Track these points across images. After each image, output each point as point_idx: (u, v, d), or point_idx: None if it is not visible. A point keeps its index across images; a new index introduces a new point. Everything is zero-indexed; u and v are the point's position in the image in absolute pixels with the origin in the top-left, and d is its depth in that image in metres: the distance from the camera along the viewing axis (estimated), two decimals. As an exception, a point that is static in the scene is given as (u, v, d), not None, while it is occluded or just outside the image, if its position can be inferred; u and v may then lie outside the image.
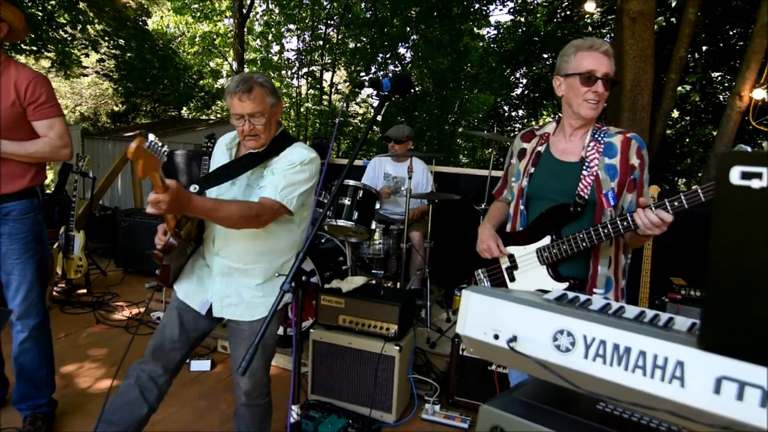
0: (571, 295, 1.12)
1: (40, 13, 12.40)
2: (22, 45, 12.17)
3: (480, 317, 1.02)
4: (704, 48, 11.19)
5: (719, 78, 11.86)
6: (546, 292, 1.80)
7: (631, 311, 1.05)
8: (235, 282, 2.06)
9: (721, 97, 11.66)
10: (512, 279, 1.95)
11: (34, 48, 12.73)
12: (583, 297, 1.11)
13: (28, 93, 2.34)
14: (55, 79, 17.22)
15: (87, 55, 14.73)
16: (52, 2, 12.66)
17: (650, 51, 6.43)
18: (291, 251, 2.14)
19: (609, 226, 1.68)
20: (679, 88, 9.63)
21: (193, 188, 1.89)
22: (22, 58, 13.02)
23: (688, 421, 0.78)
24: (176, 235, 1.89)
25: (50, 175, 13.98)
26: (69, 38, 13.56)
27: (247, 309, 2.06)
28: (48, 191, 8.97)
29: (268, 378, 2.18)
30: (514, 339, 0.96)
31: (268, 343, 2.13)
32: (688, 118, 11.97)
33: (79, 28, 13.43)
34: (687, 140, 11.55)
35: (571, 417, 0.98)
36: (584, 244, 1.74)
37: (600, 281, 1.83)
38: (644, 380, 0.81)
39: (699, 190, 1.49)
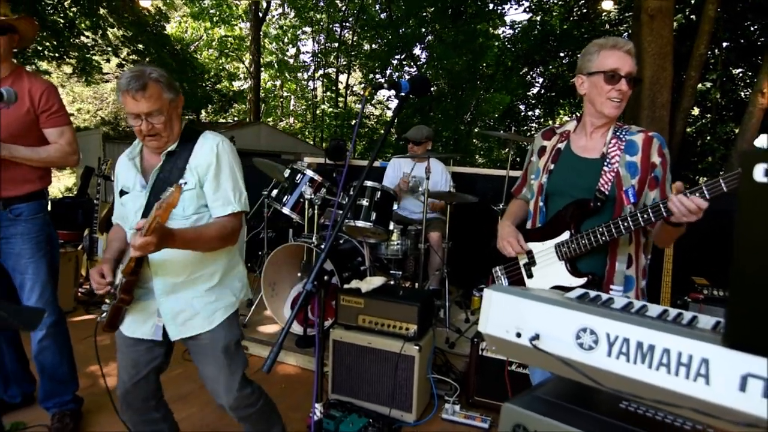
0: (592, 293, 1.13)
1: (62, 20, 12.64)
2: (45, 51, 12.43)
3: (502, 316, 1.03)
4: (724, 44, 11.03)
5: (740, 74, 11.68)
6: (564, 288, 1.81)
7: (654, 310, 1.05)
8: (183, 296, 1.92)
9: (742, 93, 11.48)
10: (530, 275, 1.95)
11: (56, 54, 12.99)
12: (605, 296, 1.12)
13: (42, 102, 2.46)
14: (76, 84, 17.58)
15: (108, 60, 15.00)
16: (74, 9, 12.91)
17: (669, 48, 6.36)
18: (234, 246, 2.03)
19: (629, 218, 1.66)
20: (699, 86, 9.49)
21: (183, 183, 1.80)
22: (44, 65, 13.31)
23: (712, 418, 0.79)
24: (134, 273, 1.79)
25: (72, 179, 14.24)
26: (90, 43, 13.81)
27: (205, 319, 1.94)
28: (71, 195, 9.14)
29: (251, 388, 2.06)
30: (536, 337, 0.97)
31: (235, 355, 2.00)
32: (708, 115, 11.79)
33: (99, 33, 13.68)
34: (708, 138, 11.38)
35: (593, 415, 0.98)
36: (603, 238, 1.73)
37: (617, 278, 1.82)
38: (668, 378, 0.82)
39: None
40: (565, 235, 1.84)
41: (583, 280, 1.81)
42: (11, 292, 2.57)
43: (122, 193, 1.98)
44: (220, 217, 1.89)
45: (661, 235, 1.81)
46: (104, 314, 1.89)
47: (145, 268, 1.89)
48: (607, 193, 1.79)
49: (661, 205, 1.59)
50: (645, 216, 1.63)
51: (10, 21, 2.38)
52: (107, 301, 1.88)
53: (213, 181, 1.88)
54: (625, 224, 1.68)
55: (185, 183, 1.83)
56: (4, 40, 2.37)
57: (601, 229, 1.73)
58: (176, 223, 1.84)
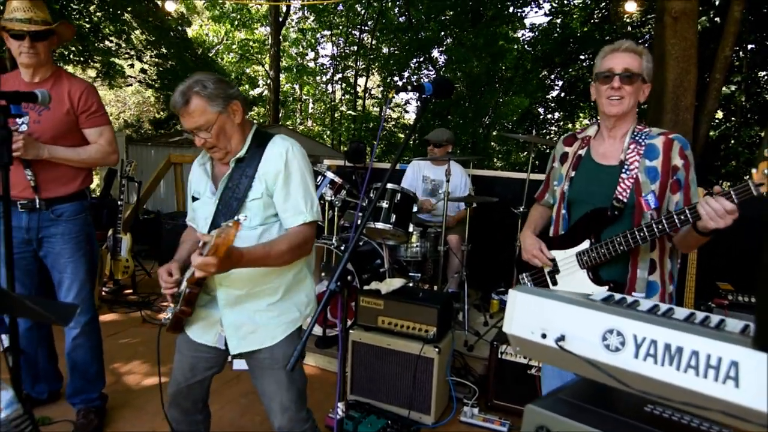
0: (618, 296, 1.12)
1: (87, 25, 12.89)
2: (70, 56, 12.68)
3: (527, 316, 1.03)
4: (749, 47, 10.83)
5: (765, 77, 11.46)
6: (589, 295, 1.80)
7: (681, 313, 1.04)
8: (245, 309, 1.87)
9: (767, 96, 11.27)
10: (554, 283, 1.95)
11: (81, 59, 13.24)
12: (630, 298, 1.11)
13: (81, 102, 2.51)
14: (100, 88, 17.90)
15: (132, 65, 15.25)
16: (99, 14, 13.15)
17: (693, 51, 6.26)
18: (303, 260, 1.94)
19: (645, 229, 1.66)
20: (724, 89, 9.33)
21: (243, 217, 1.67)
22: (69, 68, 13.57)
23: (741, 421, 0.78)
24: (198, 284, 1.76)
25: (96, 180, 14.50)
26: (114, 48, 14.05)
27: (266, 334, 1.88)
28: (94, 196, 9.34)
29: (307, 413, 1.98)
30: (562, 338, 0.97)
31: (294, 373, 1.92)
32: (733, 119, 11.59)
33: (123, 38, 13.91)
34: (732, 142, 11.18)
35: (618, 418, 0.98)
36: (621, 248, 1.73)
37: (639, 285, 1.81)
38: (697, 380, 0.81)
39: None
40: (585, 244, 1.85)
41: (604, 289, 1.80)
42: (50, 289, 2.63)
43: (194, 198, 1.96)
44: (290, 228, 1.82)
45: (684, 241, 1.78)
46: (168, 318, 1.87)
47: (209, 278, 1.85)
48: (625, 200, 1.78)
49: (687, 210, 1.57)
50: (660, 227, 1.63)
51: (53, 27, 2.44)
52: (171, 305, 1.85)
53: (282, 189, 1.80)
54: (641, 234, 1.68)
55: (245, 217, 1.72)
56: (45, 44, 2.42)
57: (618, 239, 1.74)
58: (242, 233, 1.77)
